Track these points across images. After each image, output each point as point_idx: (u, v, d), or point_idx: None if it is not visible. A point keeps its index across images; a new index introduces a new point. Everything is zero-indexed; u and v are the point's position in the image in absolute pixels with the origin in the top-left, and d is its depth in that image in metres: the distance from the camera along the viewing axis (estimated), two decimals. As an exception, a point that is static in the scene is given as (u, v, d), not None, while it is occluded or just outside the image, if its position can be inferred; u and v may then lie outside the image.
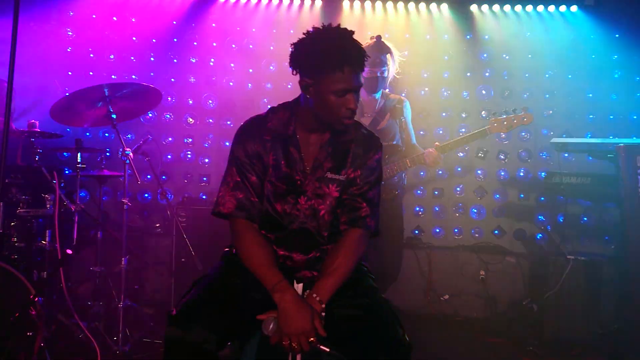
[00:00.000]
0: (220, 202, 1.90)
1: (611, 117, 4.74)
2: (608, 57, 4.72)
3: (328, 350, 1.69)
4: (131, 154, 3.15)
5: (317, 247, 1.94)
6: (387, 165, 3.39)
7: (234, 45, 5.00)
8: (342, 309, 1.80)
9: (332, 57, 1.76)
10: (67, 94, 3.07)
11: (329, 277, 1.82)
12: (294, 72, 1.87)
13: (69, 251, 2.80)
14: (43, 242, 2.99)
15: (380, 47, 3.40)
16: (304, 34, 1.85)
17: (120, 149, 3.16)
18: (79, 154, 3.27)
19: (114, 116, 3.08)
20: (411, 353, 1.72)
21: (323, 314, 1.76)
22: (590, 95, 4.78)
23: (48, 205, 2.98)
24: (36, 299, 2.57)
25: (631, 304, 3.24)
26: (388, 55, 3.42)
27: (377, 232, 1.98)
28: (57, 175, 2.95)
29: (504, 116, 3.45)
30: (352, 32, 1.82)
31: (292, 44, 1.86)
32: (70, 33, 4.84)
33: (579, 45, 4.76)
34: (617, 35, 4.68)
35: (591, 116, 4.77)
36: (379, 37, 3.43)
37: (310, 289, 1.83)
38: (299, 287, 1.87)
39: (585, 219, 4.58)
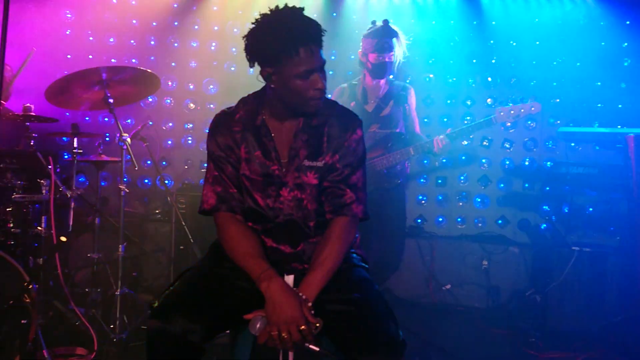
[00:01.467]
0: (204, 200, 1.87)
1: (620, 106, 4.63)
2: (618, 44, 4.61)
3: (318, 349, 1.61)
4: (129, 139, 3.08)
5: (304, 239, 1.87)
6: (390, 153, 3.33)
7: (235, 30, 4.91)
8: (332, 304, 1.72)
9: (286, 41, 1.68)
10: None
11: (316, 270, 1.74)
12: (251, 64, 1.81)
13: (64, 238, 2.74)
14: (39, 228, 2.94)
15: (388, 31, 3.33)
16: (253, 23, 1.78)
17: (118, 134, 3.10)
18: (75, 139, 3.21)
19: (111, 100, 3.02)
20: (405, 351, 1.65)
21: (312, 312, 1.68)
22: (599, 83, 4.68)
23: (44, 191, 2.93)
24: (30, 286, 2.54)
25: (636, 295, 3.20)
26: (395, 40, 3.34)
27: (367, 216, 1.89)
28: (52, 160, 2.90)
29: (511, 105, 3.37)
30: (302, 9, 1.74)
31: (244, 37, 1.79)
32: (69, 15, 4.78)
33: (589, 32, 4.65)
34: (627, 22, 4.57)
35: (600, 105, 4.67)
36: (385, 21, 3.36)
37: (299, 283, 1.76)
38: (289, 279, 1.80)
39: (590, 209, 4.51)
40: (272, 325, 1.63)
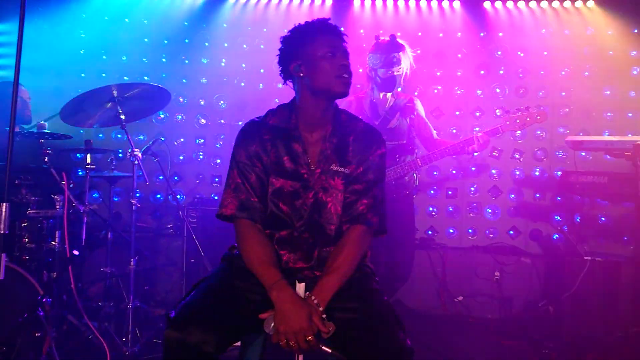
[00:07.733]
0: (224, 204, 1.92)
1: (630, 114, 4.62)
2: (626, 53, 4.62)
3: (330, 351, 1.65)
4: (140, 154, 3.14)
5: (319, 247, 1.91)
6: (397, 165, 3.34)
7: (245, 46, 4.99)
8: (342, 312, 1.75)
9: (310, 29, 1.91)
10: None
11: (331, 275, 1.78)
12: (281, 72, 1.98)
13: (76, 252, 2.79)
14: (53, 242, 3.00)
15: (395, 46, 3.36)
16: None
17: (130, 150, 3.16)
18: (88, 155, 3.28)
19: (123, 117, 3.09)
20: (412, 358, 1.66)
21: (324, 315, 1.71)
22: (608, 92, 4.67)
23: (58, 206, 3.00)
24: (44, 299, 2.58)
25: (651, 306, 3.15)
26: (402, 53, 3.37)
27: (384, 229, 1.94)
28: (65, 176, 2.96)
29: (518, 114, 3.37)
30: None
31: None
32: (83, 35, 4.88)
33: (596, 41, 4.66)
34: (635, 31, 4.57)
35: (609, 114, 4.66)
36: (392, 36, 3.40)
37: (312, 290, 1.78)
38: (300, 286, 1.83)
39: (602, 218, 4.48)
40: (280, 334, 1.66)
